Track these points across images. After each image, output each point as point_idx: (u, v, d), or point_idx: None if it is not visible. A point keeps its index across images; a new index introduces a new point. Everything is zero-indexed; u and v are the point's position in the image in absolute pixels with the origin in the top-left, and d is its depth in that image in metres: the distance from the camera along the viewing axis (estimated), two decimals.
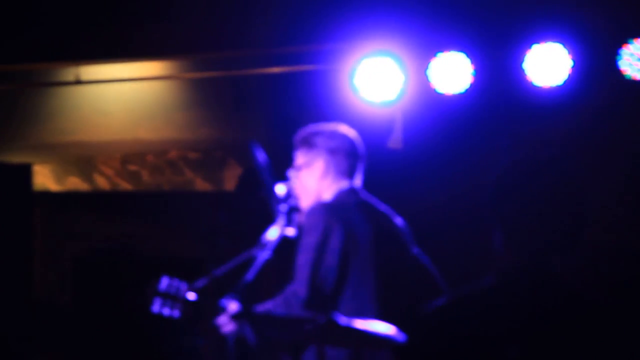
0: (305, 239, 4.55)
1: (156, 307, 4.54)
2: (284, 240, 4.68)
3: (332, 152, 4.80)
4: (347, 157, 4.81)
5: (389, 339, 3.97)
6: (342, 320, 3.95)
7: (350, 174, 4.80)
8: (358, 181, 4.83)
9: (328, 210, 4.59)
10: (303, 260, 4.51)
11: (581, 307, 2.86)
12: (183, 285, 4.55)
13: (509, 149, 6.87)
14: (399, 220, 4.82)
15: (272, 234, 4.68)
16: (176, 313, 4.54)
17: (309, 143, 4.83)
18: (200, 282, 4.59)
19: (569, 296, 2.87)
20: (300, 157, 4.85)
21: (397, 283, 4.67)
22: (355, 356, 4.44)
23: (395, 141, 7.11)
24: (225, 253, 4.70)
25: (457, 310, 2.91)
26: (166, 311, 4.54)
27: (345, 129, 4.88)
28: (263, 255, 4.58)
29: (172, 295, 4.53)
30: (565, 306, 2.85)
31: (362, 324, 4.01)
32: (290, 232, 4.71)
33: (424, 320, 2.94)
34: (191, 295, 4.53)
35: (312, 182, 4.80)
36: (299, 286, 4.48)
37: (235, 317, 4.41)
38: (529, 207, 2.87)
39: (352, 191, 4.76)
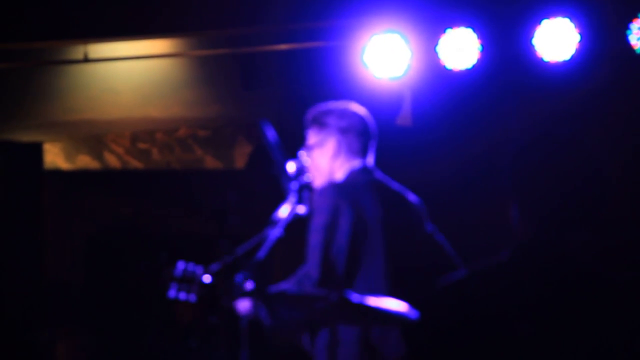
0: (315, 220, 4.57)
1: (172, 292, 4.57)
2: (295, 218, 4.70)
3: (343, 131, 4.80)
4: (358, 136, 4.81)
5: (401, 316, 3.98)
6: (355, 297, 3.97)
7: (362, 153, 4.81)
8: (370, 159, 4.84)
9: (336, 191, 4.59)
10: (314, 241, 4.53)
11: (596, 283, 2.87)
12: (199, 269, 4.57)
13: (518, 125, 6.87)
14: (413, 198, 4.82)
15: (284, 212, 4.70)
16: (192, 297, 4.56)
17: (320, 122, 4.83)
18: (215, 266, 4.60)
19: (584, 273, 2.89)
20: (311, 137, 4.85)
21: (410, 261, 4.68)
22: (367, 334, 4.46)
23: (404, 118, 7.11)
24: (236, 231, 4.71)
25: (472, 285, 2.93)
26: (182, 296, 4.57)
27: (356, 107, 4.88)
28: (274, 233, 4.60)
29: (188, 279, 4.55)
30: (579, 283, 2.86)
31: (374, 301, 4.03)
32: (302, 209, 4.72)
33: (438, 296, 2.96)
34: (207, 278, 4.55)
35: (324, 161, 4.80)
36: (311, 267, 4.50)
37: (248, 294, 4.43)
38: (546, 183, 2.89)
39: (364, 170, 4.77)
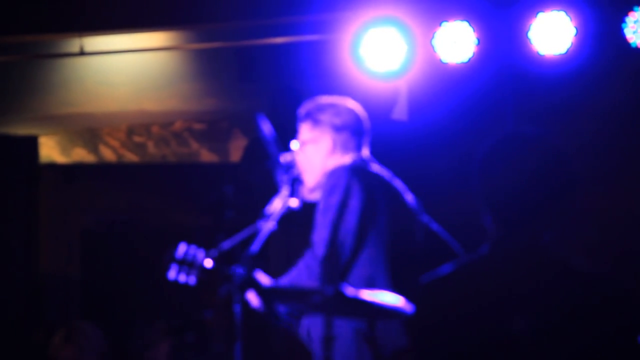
0: (326, 200, 4.54)
1: (172, 273, 4.56)
2: (288, 211, 4.70)
3: (338, 129, 4.78)
4: (353, 135, 4.80)
5: (397, 310, 3.98)
6: (350, 291, 3.97)
7: (357, 149, 4.80)
8: (366, 152, 4.83)
9: (349, 172, 4.59)
10: (324, 220, 4.51)
11: (571, 276, 2.91)
12: (200, 253, 4.57)
13: (514, 118, 6.87)
14: (403, 188, 4.83)
15: (277, 205, 4.69)
16: (192, 280, 4.56)
17: (314, 119, 4.82)
18: (214, 252, 4.60)
19: (559, 266, 2.93)
20: (305, 132, 4.84)
21: (407, 252, 4.68)
22: (365, 327, 4.46)
23: (400, 111, 7.11)
24: (232, 224, 4.71)
25: (456, 280, 2.97)
26: (182, 278, 4.56)
27: (350, 104, 4.86)
28: (267, 227, 4.60)
29: (189, 262, 4.55)
30: (556, 276, 2.91)
31: (370, 295, 4.02)
32: (294, 203, 4.72)
33: (425, 291, 3.00)
34: (208, 263, 4.55)
35: (318, 159, 4.79)
36: (317, 245, 4.49)
37: (241, 286, 4.42)
38: (515, 185, 2.94)
39: (362, 161, 4.77)
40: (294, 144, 4.87)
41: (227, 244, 4.63)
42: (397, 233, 4.66)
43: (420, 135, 7.03)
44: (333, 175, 4.61)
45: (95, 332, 5.67)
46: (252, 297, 4.54)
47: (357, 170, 4.62)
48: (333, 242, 4.49)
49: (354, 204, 4.53)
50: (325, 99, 4.87)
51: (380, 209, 4.60)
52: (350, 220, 4.52)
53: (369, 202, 4.56)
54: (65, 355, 5.56)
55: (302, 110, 4.87)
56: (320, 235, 4.52)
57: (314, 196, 4.74)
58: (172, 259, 4.57)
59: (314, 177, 4.77)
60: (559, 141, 2.98)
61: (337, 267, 4.48)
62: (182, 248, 4.59)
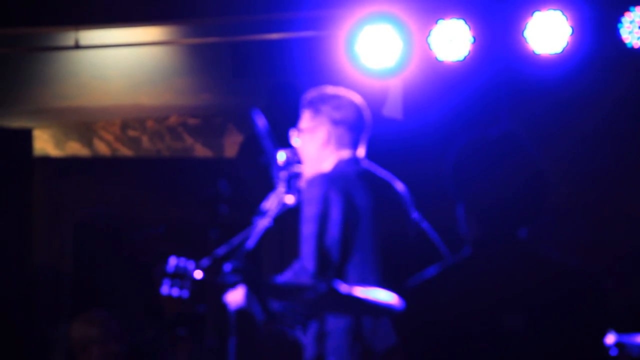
0: (306, 210, 4.55)
1: (165, 289, 4.56)
2: (284, 208, 4.69)
3: (336, 123, 4.77)
4: (350, 130, 4.78)
5: (389, 307, 3.99)
6: (343, 288, 3.97)
7: (353, 145, 4.79)
8: (361, 151, 4.82)
9: (326, 181, 4.56)
10: (307, 232, 4.51)
11: (551, 269, 3.00)
12: (190, 265, 4.56)
13: (509, 117, 6.88)
14: (399, 186, 4.82)
15: (272, 202, 4.69)
16: (185, 293, 4.56)
17: (315, 108, 4.80)
18: (206, 261, 4.60)
19: (540, 262, 3.01)
20: (305, 120, 4.83)
21: (398, 250, 4.68)
22: (357, 324, 4.46)
23: (394, 110, 7.11)
24: (226, 220, 4.71)
25: (443, 282, 3.04)
26: (175, 292, 4.56)
27: (354, 98, 4.84)
28: (263, 223, 4.59)
29: (180, 275, 4.55)
30: (538, 272, 2.99)
31: (362, 292, 4.03)
32: (290, 199, 4.72)
33: (412, 293, 3.07)
34: (198, 274, 4.55)
35: (312, 149, 4.79)
36: (306, 259, 4.47)
37: (234, 284, 4.42)
38: (485, 183, 3.02)
39: (353, 161, 4.76)
40: (292, 132, 4.87)
41: (221, 250, 4.62)
42: (387, 233, 4.66)
43: (415, 132, 7.04)
44: (311, 185, 4.60)
45: (114, 320, 5.73)
46: (234, 297, 4.52)
47: (335, 179, 4.59)
48: (320, 254, 4.48)
49: (335, 214, 4.51)
50: (330, 90, 4.85)
51: (364, 214, 4.59)
52: (333, 231, 4.50)
53: (350, 211, 4.54)
54: (89, 335, 5.59)
55: (307, 97, 4.86)
56: (306, 249, 4.50)
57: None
58: (164, 274, 4.57)
59: (310, 166, 4.77)
60: (526, 139, 3.07)
61: (329, 270, 4.48)
62: (172, 261, 4.58)
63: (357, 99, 4.84)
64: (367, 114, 4.84)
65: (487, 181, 3.01)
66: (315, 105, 4.80)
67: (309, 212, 4.52)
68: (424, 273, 3.08)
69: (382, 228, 4.63)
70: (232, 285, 4.41)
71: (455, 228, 3.30)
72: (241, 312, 4.52)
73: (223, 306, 4.55)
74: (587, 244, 6.81)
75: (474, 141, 3.08)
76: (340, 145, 4.77)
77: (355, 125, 4.79)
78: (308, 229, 4.50)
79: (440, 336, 2.96)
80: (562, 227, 6.72)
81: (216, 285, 4.47)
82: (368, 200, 4.61)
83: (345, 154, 4.76)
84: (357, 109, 4.81)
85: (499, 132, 3.09)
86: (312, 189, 4.56)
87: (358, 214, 4.57)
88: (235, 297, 4.50)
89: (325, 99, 4.81)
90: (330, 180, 4.58)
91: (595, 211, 6.99)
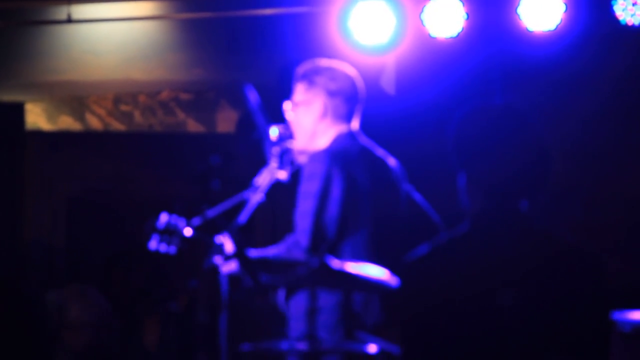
0: (306, 186, 4.53)
1: (153, 243, 4.57)
2: (276, 183, 4.69)
3: (331, 94, 4.76)
4: (346, 101, 4.78)
5: (382, 283, 3.99)
6: (335, 264, 3.97)
7: (348, 117, 4.78)
8: (356, 124, 4.82)
9: (329, 158, 4.56)
10: (305, 207, 4.49)
11: (552, 245, 2.97)
12: (181, 222, 4.56)
13: (502, 94, 6.87)
14: (392, 162, 4.82)
15: (265, 177, 4.69)
16: (173, 249, 4.56)
17: (309, 80, 4.78)
18: (196, 220, 4.60)
19: (540, 236, 2.98)
20: (299, 93, 4.81)
21: (392, 228, 4.69)
22: (348, 300, 4.47)
23: (387, 85, 7.10)
24: (218, 195, 4.71)
25: (439, 258, 3.01)
26: (163, 247, 4.56)
27: (348, 70, 4.84)
28: (255, 198, 4.59)
29: (170, 232, 4.55)
30: (537, 247, 2.96)
31: (355, 268, 4.03)
32: (283, 175, 4.71)
33: (409, 269, 3.03)
34: (188, 232, 4.55)
35: (308, 122, 4.77)
36: (300, 234, 4.47)
37: (229, 257, 4.43)
38: (488, 154, 2.99)
39: (350, 136, 4.75)
40: (286, 104, 4.85)
41: (211, 212, 4.62)
42: (385, 211, 4.67)
43: (408, 109, 7.03)
44: (313, 160, 4.58)
45: (100, 295, 5.70)
46: (228, 265, 4.52)
47: (338, 156, 4.58)
48: (316, 231, 4.47)
49: (336, 193, 4.50)
50: (323, 62, 4.84)
51: (362, 193, 4.59)
52: (332, 209, 4.50)
53: (351, 190, 4.54)
54: (85, 319, 5.55)
55: (300, 70, 4.84)
56: (302, 224, 4.49)
57: (302, 159, 4.73)
58: (154, 229, 4.57)
59: (303, 140, 4.76)
60: (528, 111, 3.03)
61: (323, 246, 4.48)
62: (163, 217, 4.59)
63: (350, 70, 4.84)
64: (361, 86, 4.83)
65: (490, 150, 2.98)
66: (310, 78, 4.78)
67: (309, 188, 4.50)
68: (419, 249, 3.05)
69: (377, 207, 4.63)
70: (226, 258, 4.42)
71: (449, 205, 3.30)
72: (233, 277, 4.51)
73: (215, 280, 4.55)
74: (582, 223, 6.82)
75: (477, 110, 3.05)
76: (336, 117, 4.76)
77: (350, 96, 4.78)
78: (307, 204, 4.48)
79: (438, 312, 2.94)
80: (557, 206, 6.73)
81: (205, 244, 4.47)
82: (367, 179, 4.61)
83: (343, 128, 4.75)
84: (352, 80, 4.81)
85: (501, 102, 3.07)
86: (315, 164, 4.54)
87: (357, 193, 4.56)
88: (229, 265, 4.50)
89: (319, 71, 4.79)
90: (333, 156, 4.56)
91: (590, 190, 7.00)
